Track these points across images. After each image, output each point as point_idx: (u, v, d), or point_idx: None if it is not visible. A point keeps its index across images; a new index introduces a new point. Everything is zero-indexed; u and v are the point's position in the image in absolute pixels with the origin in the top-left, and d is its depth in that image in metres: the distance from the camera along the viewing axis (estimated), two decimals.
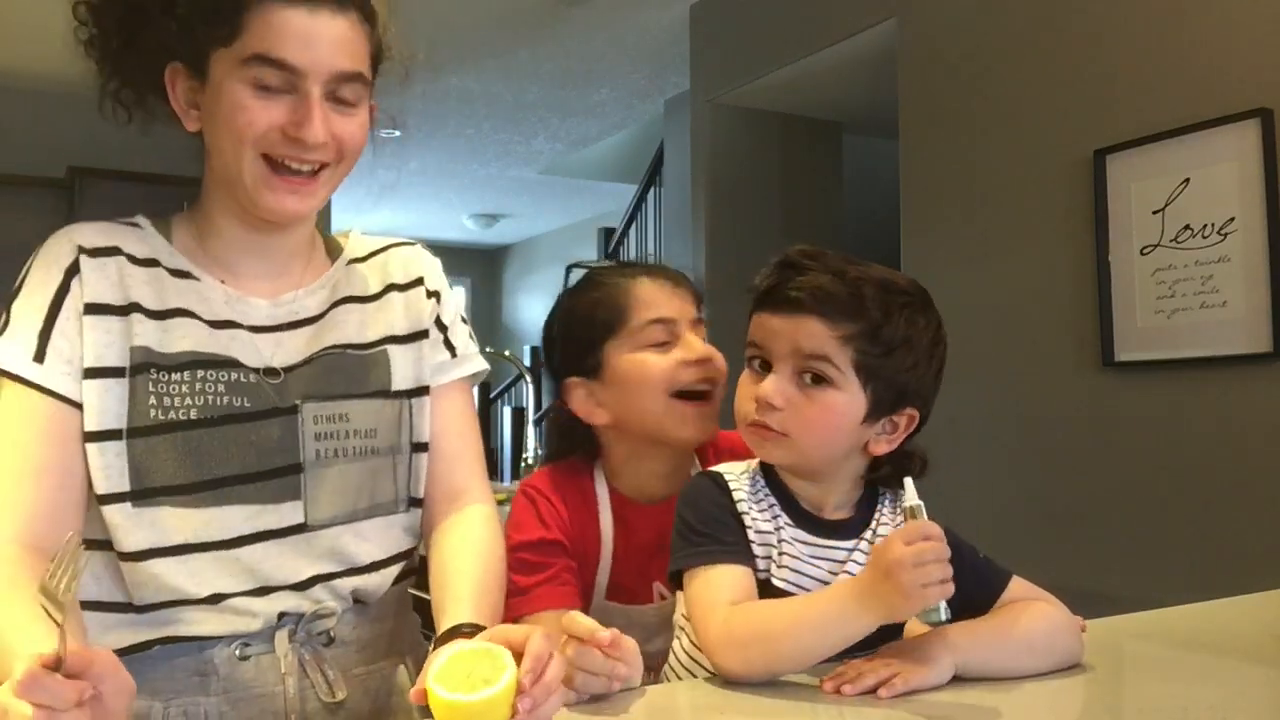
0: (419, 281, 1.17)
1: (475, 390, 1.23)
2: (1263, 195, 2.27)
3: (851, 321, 1.00)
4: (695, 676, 1.03)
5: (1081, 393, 2.67)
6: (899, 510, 1.09)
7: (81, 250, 1.00)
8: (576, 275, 1.33)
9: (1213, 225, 2.37)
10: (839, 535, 1.05)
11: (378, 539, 1.07)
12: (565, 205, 8.26)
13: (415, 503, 1.11)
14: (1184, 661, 1.12)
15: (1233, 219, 2.33)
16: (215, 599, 0.98)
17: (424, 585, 1.11)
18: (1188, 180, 2.43)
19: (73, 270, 0.99)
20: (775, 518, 1.04)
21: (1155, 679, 1.06)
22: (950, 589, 0.87)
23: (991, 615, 1.02)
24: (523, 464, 3.01)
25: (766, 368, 1.03)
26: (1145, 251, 2.52)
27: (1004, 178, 2.90)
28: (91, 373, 0.97)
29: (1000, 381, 2.88)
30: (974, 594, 1.02)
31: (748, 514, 1.03)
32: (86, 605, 0.97)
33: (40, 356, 0.96)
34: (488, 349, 3.10)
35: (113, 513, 0.96)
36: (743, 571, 0.99)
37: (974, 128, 3.00)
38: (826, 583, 1.02)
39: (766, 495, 1.05)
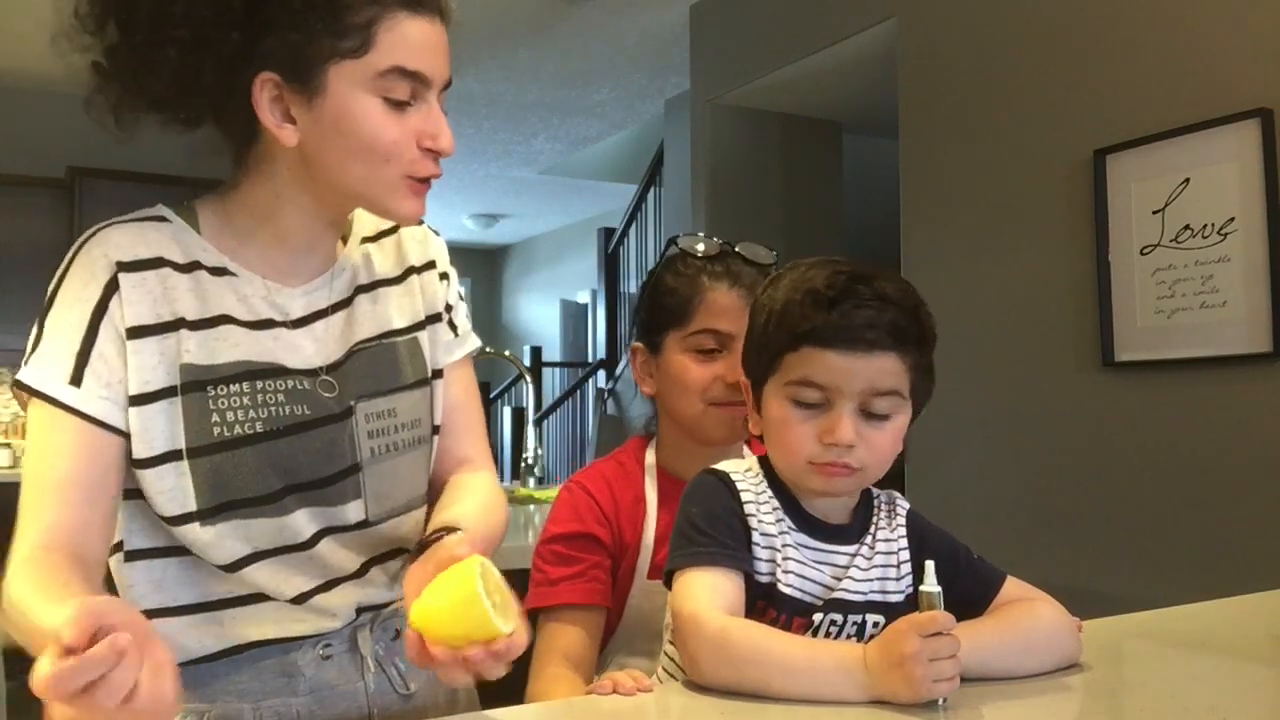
0: (431, 265, 1.17)
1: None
2: (1263, 195, 2.28)
3: (918, 350, 1.01)
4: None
5: (1081, 393, 2.67)
6: (895, 515, 1.09)
7: (120, 266, 0.96)
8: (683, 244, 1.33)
9: (1213, 225, 2.37)
10: (841, 540, 1.05)
11: (422, 522, 1.10)
12: (565, 205, 8.26)
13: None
14: (1184, 661, 1.12)
15: (1233, 219, 2.33)
16: (300, 598, 1.00)
17: None
18: (1188, 180, 2.43)
19: (111, 287, 0.95)
20: (779, 521, 1.03)
21: (1155, 679, 1.06)
22: (957, 684, 0.87)
23: (991, 616, 1.02)
24: (523, 464, 3.01)
25: (818, 405, 1.00)
26: (1145, 251, 2.52)
27: (1004, 178, 2.90)
28: (139, 399, 0.94)
29: (1000, 381, 2.88)
30: (971, 596, 1.02)
31: (754, 516, 1.02)
32: (177, 610, 0.99)
33: (77, 380, 0.93)
34: (488, 349, 3.10)
35: (186, 532, 0.96)
36: (738, 579, 0.99)
37: (974, 128, 3.00)
38: (830, 587, 1.02)
39: (770, 498, 1.04)
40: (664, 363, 1.29)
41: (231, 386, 0.97)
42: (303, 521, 0.99)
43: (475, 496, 1.09)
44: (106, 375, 0.94)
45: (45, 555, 0.89)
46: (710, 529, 1.00)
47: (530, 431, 3.12)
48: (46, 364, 0.94)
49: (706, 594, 0.96)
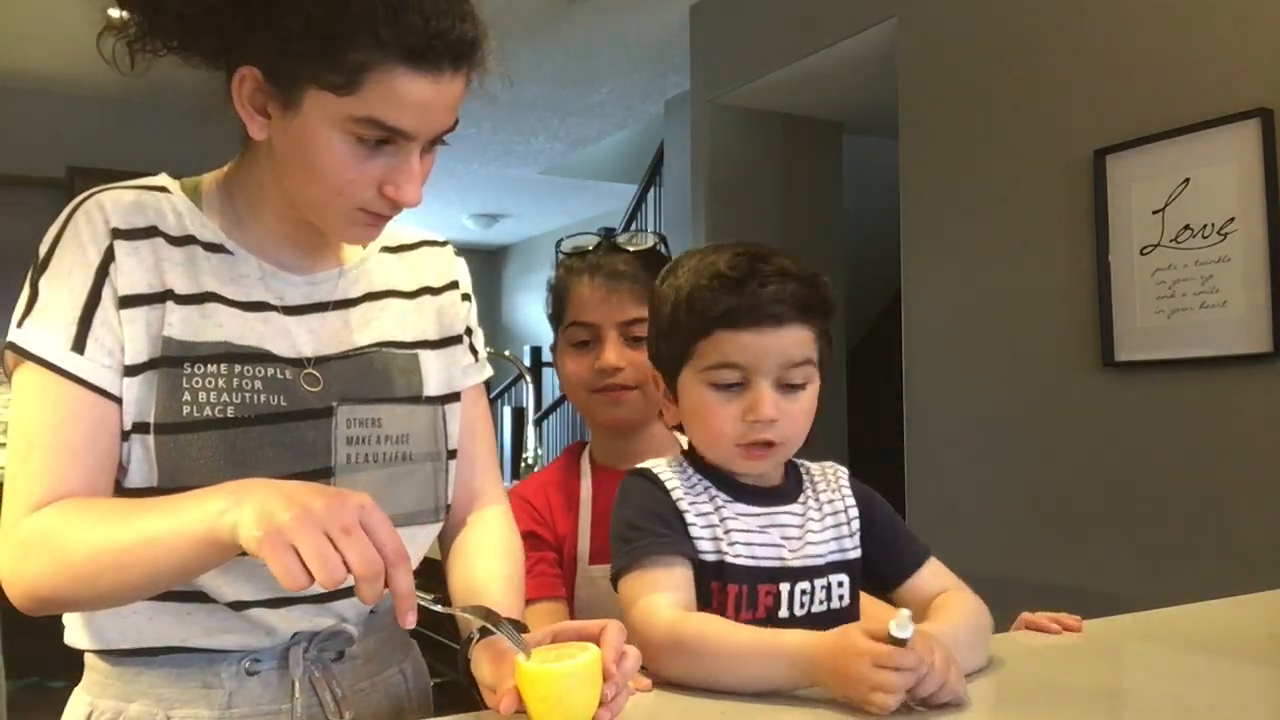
0: (454, 285, 1.16)
1: None
2: (1263, 195, 2.28)
3: (823, 319, 1.04)
4: None
5: (1081, 393, 2.67)
6: (836, 479, 1.12)
7: (116, 233, 0.93)
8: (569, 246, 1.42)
9: (1213, 225, 2.37)
10: (781, 500, 1.07)
11: (410, 544, 1.01)
12: (565, 205, 8.26)
13: (447, 510, 1.09)
14: (1184, 661, 1.12)
15: (1233, 219, 2.33)
16: (237, 606, 0.95)
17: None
18: (1188, 180, 2.43)
19: (108, 258, 0.92)
20: (713, 499, 1.04)
21: (1155, 679, 1.06)
22: (892, 707, 0.84)
23: (956, 613, 1.02)
24: (523, 464, 3.01)
25: (737, 385, 1.02)
26: (1145, 251, 2.52)
27: (1004, 178, 2.90)
28: (128, 370, 0.92)
29: (1000, 381, 2.88)
30: (901, 563, 1.08)
31: (682, 501, 1.02)
32: None
33: (80, 346, 0.90)
34: (488, 349, 3.11)
35: None
36: (681, 567, 0.99)
37: (974, 128, 3.00)
38: (780, 546, 1.03)
39: (700, 480, 1.05)
40: (556, 360, 1.37)
41: (209, 367, 0.93)
42: None
43: (500, 560, 1.07)
44: (109, 343, 0.91)
45: (64, 499, 0.87)
46: (644, 523, 1.00)
47: (530, 431, 3.12)
48: (45, 328, 0.90)
49: (651, 590, 0.96)
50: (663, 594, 0.96)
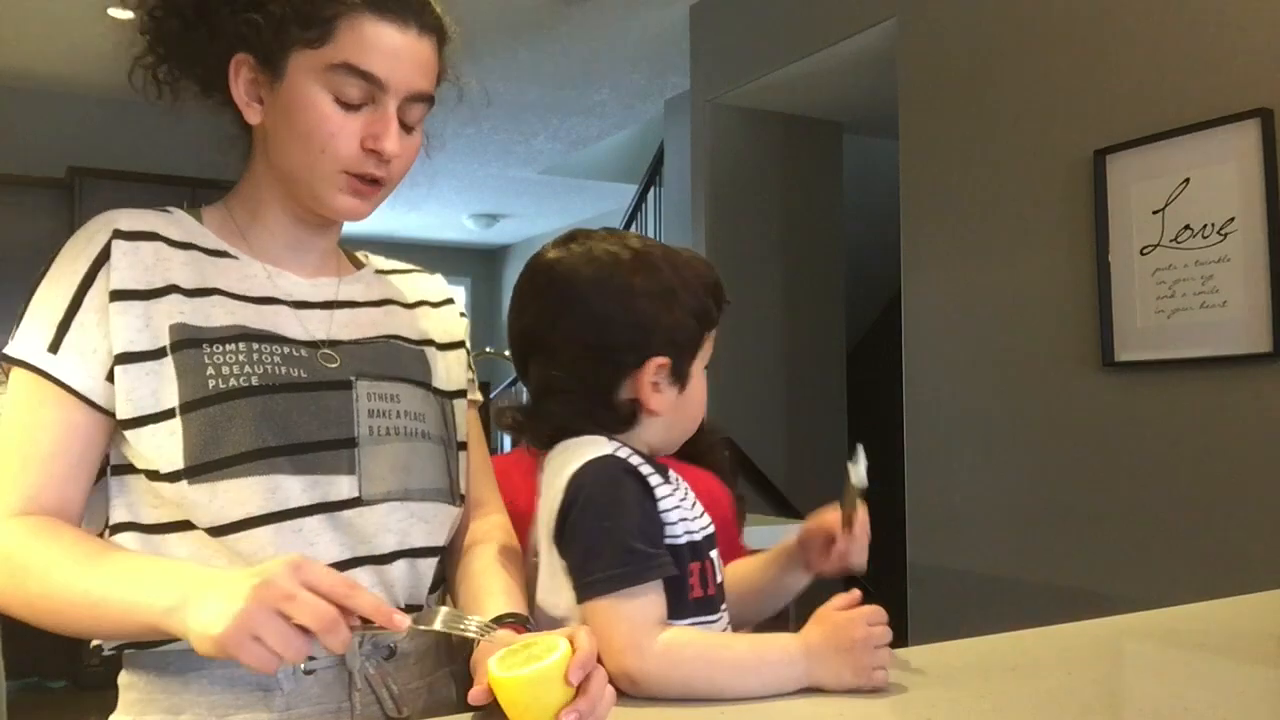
0: (449, 301, 1.22)
1: None
2: (1263, 195, 2.28)
3: None
4: None
5: (1081, 393, 2.67)
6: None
7: (118, 234, 0.98)
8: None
9: (1213, 225, 2.37)
10: (666, 471, 1.07)
11: (430, 522, 1.05)
12: (565, 205, 8.26)
13: (463, 499, 1.11)
14: (1184, 661, 1.12)
15: (1233, 219, 2.33)
16: None
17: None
18: (1188, 180, 2.43)
19: (102, 258, 0.97)
20: (661, 485, 1.02)
21: (1155, 679, 1.06)
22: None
23: None
24: None
25: None
26: (1145, 251, 2.52)
27: (1004, 178, 2.90)
28: (124, 358, 0.94)
29: (1000, 381, 2.88)
30: None
31: (661, 488, 1.00)
32: None
33: (55, 347, 0.94)
34: (488, 349, 3.10)
35: (173, 492, 0.93)
36: (660, 583, 0.96)
37: (974, 128, 3.00)
38: (702, 515, 1.05)
39: (654, 469, 1.03)
40: None
41: (227, 345, 0.97)
42: (294, 488, 0.95)
43: (499, 562, 1.06)
44: (86, 345, 0.95)
45: (38, 516, 0.91)
46: (645, 545, 0.95)
47: None
48: (28, 333, 0.96)
49: (644, 613, 0.93)
50: (651, 615, 0.94)
